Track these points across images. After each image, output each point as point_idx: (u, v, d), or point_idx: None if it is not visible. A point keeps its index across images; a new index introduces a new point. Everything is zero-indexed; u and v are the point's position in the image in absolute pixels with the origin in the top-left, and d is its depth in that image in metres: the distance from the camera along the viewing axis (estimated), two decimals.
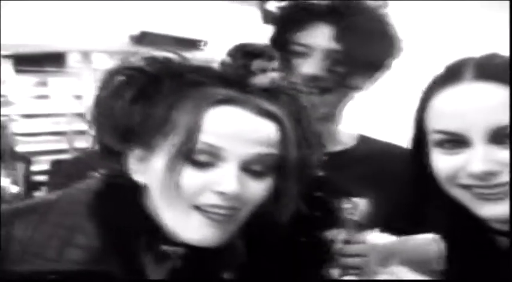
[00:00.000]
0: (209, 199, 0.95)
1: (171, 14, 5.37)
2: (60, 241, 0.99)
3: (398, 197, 1.21)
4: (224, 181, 0.94)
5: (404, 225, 1.31)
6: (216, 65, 1.08)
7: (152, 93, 0.98)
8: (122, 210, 1.02)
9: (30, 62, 6.21)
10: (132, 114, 0.97)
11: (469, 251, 1.12)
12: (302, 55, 1.40)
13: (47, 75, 6.60)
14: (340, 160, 1.41)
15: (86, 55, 6.24)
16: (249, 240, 1.08)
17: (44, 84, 6.91)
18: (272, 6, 1.48)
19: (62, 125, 6.68)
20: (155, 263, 1.03)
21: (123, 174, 1.02)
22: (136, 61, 1.02)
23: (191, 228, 0.97)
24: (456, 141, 1.02)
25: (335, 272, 1.18)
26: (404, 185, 1.17)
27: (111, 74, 1.01)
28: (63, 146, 6.55)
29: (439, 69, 1.10)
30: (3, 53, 6.09)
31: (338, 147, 1.49)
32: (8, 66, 6.33)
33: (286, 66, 1.38)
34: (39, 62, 6.25)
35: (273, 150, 0.99)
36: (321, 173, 1.13)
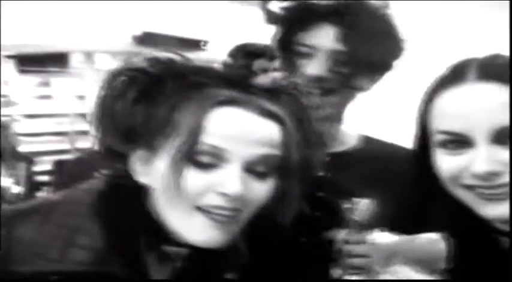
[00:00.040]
0: (212, 200, 0.95)
1: (173, 15, 5.37)
2: (63, 242, 0.99)
3: (401, 197, 1.21)
4: (227, 182, 0.94)
5: (407, 226, 1.31)
6: (218, 66, 1.08)
7: (155, 94, 0.98)
8: (126, 210, 1.02)
9: (33, 62, 6.22)
10: (134, 115, 0.97)
11: (473, 252, 1.12)
12: (306, 56, 1.39)
13: (50, 75, 6.62)
14: (343, 160, 1.41)
15: (88, 55, 6.26)
16: (252, 240, 1.08)
17: (46, 84, 6.93)
18: (275, 7, 1.48)
19: (65, 125, 6.69)
20: (158, 264, 1.03)
21: (127, 175, 1.02)
22: (138, 62, 1.02)
23: (194, 230, 0.97)
24: (459, 142, 1.02)
25: (338, 272, 1.17)
26: (408, 186, 1.16)
27: (114, 75, 1.01)
28: (66, 146, 6.57)
29: (441, 70, 1.10)
30: (7, 53, 6.10)
31: (341, 148, 1.49)
32: (10, 66, 6.34)
33: (290, 67, 1.38)
34: (42, 62, 6.26)
35: (275, 151, 0.99)
36: (324, 174, 1.13)
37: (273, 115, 0.99)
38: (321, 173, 1.09)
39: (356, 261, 1.16)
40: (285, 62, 1.42)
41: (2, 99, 6.47)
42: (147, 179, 1.01)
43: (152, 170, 0.99)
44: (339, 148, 1.47)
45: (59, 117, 6.78)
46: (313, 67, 1.37)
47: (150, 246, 1.01)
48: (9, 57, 6.22)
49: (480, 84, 1.02)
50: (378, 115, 4.14)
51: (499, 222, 1.05)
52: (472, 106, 1.01)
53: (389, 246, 1.07)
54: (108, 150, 1.02)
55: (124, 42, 5.42)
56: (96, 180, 1.07)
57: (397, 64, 1.44)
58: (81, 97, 6.48)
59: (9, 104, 6.57)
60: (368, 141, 1.55)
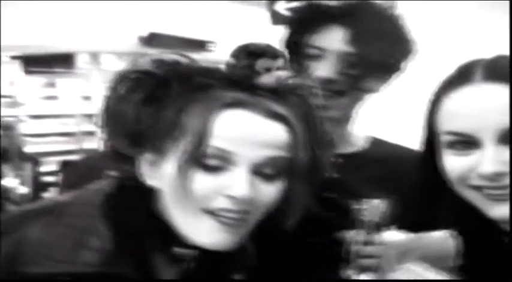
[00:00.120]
0: (220, 203, 0.95)
1: (179, 15, 5.38)
2: (73, 243, 0.98)
3: (409, 198, 1.21)
4: (235, 185, 0.94)
5: (415, 227, 1.31)
6: (223, 67, 1.08)
7: (161, 96, 0.98)
8: (134, 212, 1.02)
9: (39, 63, 6.24)
10: (141, 118, 0.97)
11: (480, 252, 1.12)
12: (315, 58, 1.39)
13: (56, 76, 6.64)
14: (353, 162, 1.41)
15: (94, 56, 6.28)
16: (260, 241, 1.08)
17: (52, 85, 6.95)
18: (281, 8, 1.49)
19: (71, 125, 6.72)
20: (167, 265, 1.02)
21: (135, 177, 1.02)
22: (144, 64, 1.02)
23: (203, 233, 0.97)
24: (467, 142, 1.02)
25: (349, 273, 1.17)
26: (416, 187, 1.16)
27: (120, 77, 1.00)
28: (72, 146, 6.58)
29: (443, 71, 1.10)
30: (12, 54, 6.12)
31: (351, 149, 1.49)
32: (16, 67, 6.36)
33: (299, 69, 1.38)
34: (47, 63, 6.28)
35: (283, 153, 0.98)
36: (333, 175, 1.13)
37: (280, 117, 0.99)
38: (329, 174, 1.09)
39: (366, 261, 1.16)
40: (294, 64, 1.42)
41: (8, 100, 6.50)
42: (155, 182, 1.01)
43: (160, 173, 0.99)
44: (347, 149, 1.47)
45: (65, 118, 6.80)
46: (323, 69, 1.36)
47: (158, 247, 1.01)
48: (15, 58, 6.25)
49: (487, 85, 1.02)
50: (385, 117, 4.13)
51: (502, 223, 1.05)
52: (479, 107, 1.01)
53: (400, 244, 1.07)
54: (115, 152, 1.02)
55: (130, 43, 5.43)
56: (105, 182, 1.07)
57: (407, 65, 1.44)
58: (87, 98, 6.50)
59: (15, 104, 6.60)
60: (376, 142, 1.55)
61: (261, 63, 2.23)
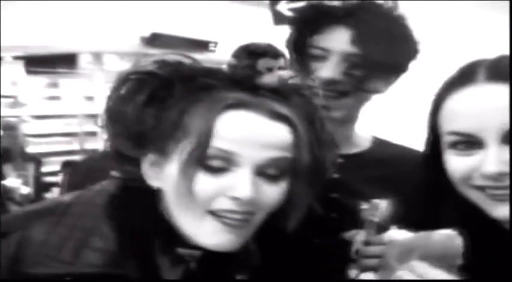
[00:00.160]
0: (224, 204, 0.95)
1: (181, 16, 5.38)
2: (76, 243, 0.98)
3: (413, 199, 1.21)
4: (238, 186, 0.94)
5: (418, 227, 1.30)
6: (225, 67, 1.08)
7: (164, 97, 0.98)
8: (138, 213, 1.02)
9: (42, 63, 6.25)
10: (144, 119, 0.97)
11: (484, 251, 1.11)
12: (319, 58, 1.38)
13: (59, 76, 6.65)
14: (356, 162, 1.41)
15: (97, 56, 6.28)
16: (263, 242, 1.08)
17: (55, 85, 6.96)
18: (283, 8, 1.48)
19: (73, 126, 6.72)
20: (171, 266, 1.02)
21: (138, 177, 1.02)
22: (147, 65, 1.01)
23: (206, 234, 0.97)
24: (469, 143, 1.02)
25: (354, 273, 1.17)
26: (419, 187, 1.16)
27: (122, 78, 1.00)
28: (74, 147, 6.59)
29: (444, 71, 1.10)
30: (15, 54, 6.13)
31: (354, 150, 1.49)
32: (19, 67, 6.36)
33: (304, 69, 1.37)
34: (50, 63, 6.29)
35: (286, 154, 0.98)
36: (337, 175, 1.13)
37: (283, 117, 0.99)
38: (334, 175, 1.09)
39: (371, 262, 1.16)
40: (298, 65, 1.41)
41: (11, 100, 6.51)
42: (158, 183, 1.01)
43: (163, 174, 0.99)
44: (351, 150, 1.47)
45: (68, 118, 6.81)
46: (327, 70, 1.36)
47: (162, 248, 1.01)
48: (17, 58, 6.26)
49: (490, 85, 1.02)
50: (388, 117, 4.13)
51: (505, 223, 1.05)
52: (482, 107, 1.01)
53: (406, 242, 1.07)
54: (118, 153, 1.02)
55: (132, 43, 5.43)
56: (108, 182, 1.07)
57: (412, 66, 1.43)
58: (89, 98, 6.51)
59: (18, 105, 6.61)
60: (380, 143, 1.55)
61: (262, 63, 2.23)
